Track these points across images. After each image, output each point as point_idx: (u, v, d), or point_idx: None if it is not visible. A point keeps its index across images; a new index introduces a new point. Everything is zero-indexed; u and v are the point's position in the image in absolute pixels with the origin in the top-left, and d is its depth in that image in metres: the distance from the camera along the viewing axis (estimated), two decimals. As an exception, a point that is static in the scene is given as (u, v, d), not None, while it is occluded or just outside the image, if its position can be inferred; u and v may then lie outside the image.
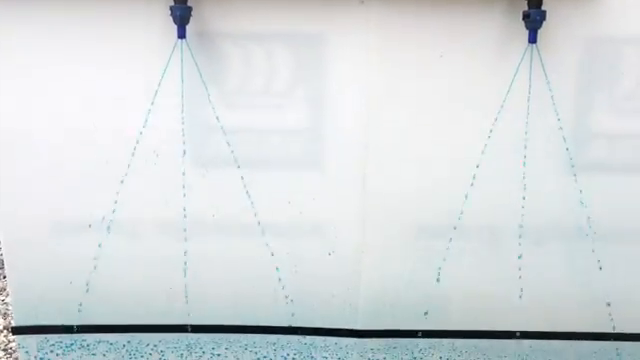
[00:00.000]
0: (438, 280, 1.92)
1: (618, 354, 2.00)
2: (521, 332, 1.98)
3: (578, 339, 1.98)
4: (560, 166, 1.83)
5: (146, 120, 1.76)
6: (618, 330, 1.97)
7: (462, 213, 1.87)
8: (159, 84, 1.75)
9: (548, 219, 1.87)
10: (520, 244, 1.89)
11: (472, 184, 1.83)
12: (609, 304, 1.93)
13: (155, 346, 2.00)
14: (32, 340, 1.97)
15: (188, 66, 1.74)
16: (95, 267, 1.89)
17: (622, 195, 1.86)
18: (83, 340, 1.98)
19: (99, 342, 1.98)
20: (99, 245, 1.87)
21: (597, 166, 1.83)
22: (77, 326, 1.95)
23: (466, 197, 1.85)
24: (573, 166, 1.82)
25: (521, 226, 1.87)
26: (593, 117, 1.80)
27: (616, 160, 1.83)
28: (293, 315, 1.97)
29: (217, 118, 1.79)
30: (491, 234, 1.90)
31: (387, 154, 1.83)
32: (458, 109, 1.79)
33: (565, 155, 1.81)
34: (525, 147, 1.79)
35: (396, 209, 1.87)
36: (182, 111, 1.78)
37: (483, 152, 1.81)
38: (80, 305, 1.93)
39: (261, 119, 1.81)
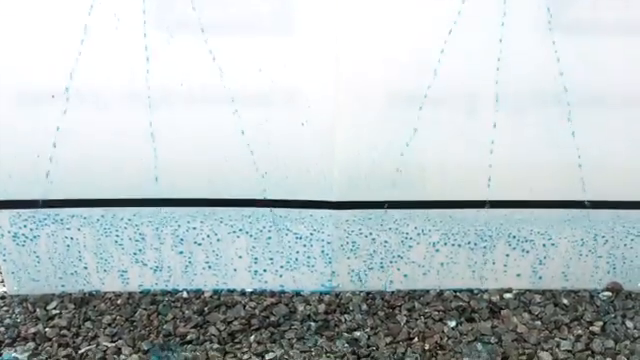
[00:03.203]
0: (412, 150, 1.89)
1: (590, 222, 2.01)
2: (496, 201, 1.97)
3: (551, 207, 1.99)
4: (539, 28, 1.75)
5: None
6: (591, 198, 1.97)
7: (437, 80, 1.81)
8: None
9: (525, 84, 1.82)
10: (496, 111, 1.84)
11: (444, 51, 1.76)
12: (581, 171, 1.92)
13: (130, 220, 1.99)
14: (3, 215, 1.96)
15: None
16: (61, 140, 1.84)
17: (602, 58, 1.80)
18: (56, 215, 1.97)
19: (72, 216, 1.97)
20: (64, 116, 1.81)
21: (577, 28, 1.76)
22: (47, 200, 1.93)
23: (441, 64, 1.79)
24: (551, 28, 1.75)
25: (497, 92, 1.82)
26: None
27: (598, 21, 1.76)
28: (267, 188, 1.95)
29: (180, -23, 1.68)
30: (466, 101, 1.85)
31: (361, 17, 1.74)
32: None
33: (544, 15, 1.73)
34: (504, 2, 1.70)
35: (371, 76, 1.81)
36: (141, -31, 1.67)
37: (459, 14, 1.73)
38: (49, 179, 1.89)
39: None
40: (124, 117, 1.83)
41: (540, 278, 2.10)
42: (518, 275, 2.10)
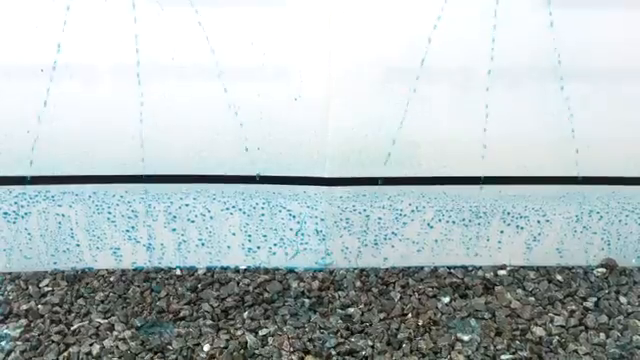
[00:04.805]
0: (407, 125, 1.87)
1: (585, 198, 2.00)
2: (490, 177, 1.96)
3: (546, 183, 1.98)
4: (535, 1, 1.73)
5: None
6: (585, 174, 1.96)
7: (431, 54, 1.78)
8: None
9: (520, 59, 1.80)
10: (491, 86, 1.82)
11: (438, 25, 1.74)
12: (576, 147, 1.91)
13: (122, 197, 1.97)
14: (-6, 192, 1.94)
15: None
16: (51, 115, 1.81)
17: (598, 32, 1.78)
18: (47, 191, 1.95)
19: (64, 193, 1.95)
20: (53, 90, 1.78)
21: (574, 1, 1.74)
22: (38, 177, 1.90)
23: (435, 37, 1.76)
24: (548, 1, 1.72)
25: (492, 67, 1.80)
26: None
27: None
28: (259, 164, 1.93)
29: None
30: (461, 76, 1.83)
31: (354, -12, 1.72)
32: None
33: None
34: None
35: (365, 49, 1.78)
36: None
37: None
38: (38, 155, 1.87)
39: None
40: (114, 92, 1.81)
41: (534, 255, 2.10)
42: (512, 252, 2.09)
